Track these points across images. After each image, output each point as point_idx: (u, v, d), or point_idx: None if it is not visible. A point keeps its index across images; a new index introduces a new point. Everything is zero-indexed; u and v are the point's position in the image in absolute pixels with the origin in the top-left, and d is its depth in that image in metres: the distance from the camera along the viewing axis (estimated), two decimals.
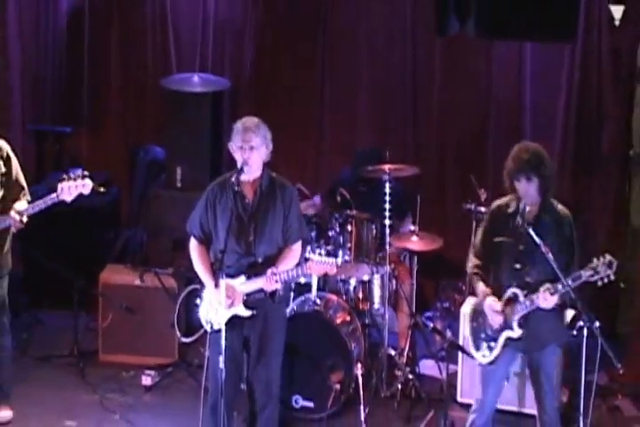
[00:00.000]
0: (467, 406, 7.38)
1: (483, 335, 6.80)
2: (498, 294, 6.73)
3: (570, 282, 6.39)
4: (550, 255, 6.48)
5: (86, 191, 7.53)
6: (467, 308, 7.06)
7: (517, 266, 6.69)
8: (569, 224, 6.71)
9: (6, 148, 7.67)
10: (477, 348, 6.84)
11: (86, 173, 7.50)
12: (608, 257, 6.41)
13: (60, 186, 7.47)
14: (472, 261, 6.90)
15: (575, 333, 6.49)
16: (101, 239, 9.56)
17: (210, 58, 9.86)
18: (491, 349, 6.76)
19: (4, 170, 7.60)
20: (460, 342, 7.61)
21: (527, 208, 6.68)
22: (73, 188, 7.48)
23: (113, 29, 10.02)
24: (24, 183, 7.70)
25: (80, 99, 10.10)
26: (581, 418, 6.40)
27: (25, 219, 7.47)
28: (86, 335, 8.92)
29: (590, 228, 9.03)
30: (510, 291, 6.66)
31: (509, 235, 6.74)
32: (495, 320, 6.70)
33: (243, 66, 9.85)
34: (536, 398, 6.90)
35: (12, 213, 7.47)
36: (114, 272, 8.91)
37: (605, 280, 6.40)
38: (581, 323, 6.41)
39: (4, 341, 7.90)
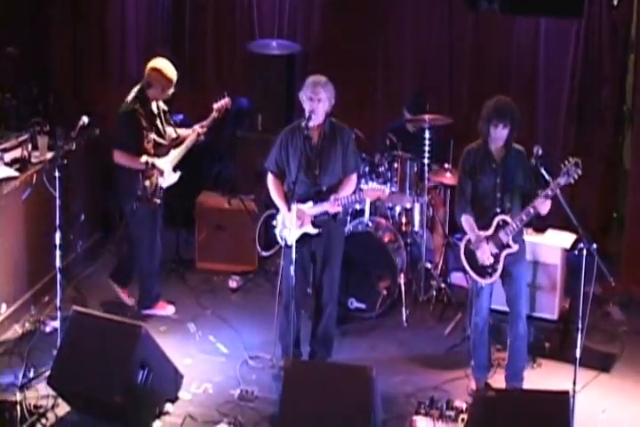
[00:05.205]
0: None
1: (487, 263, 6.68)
2: (485, 223, 6.64)
3: (554, 188, 6.34)
4: (552, 181, 6.39)
5: (229, 105, 7.86)
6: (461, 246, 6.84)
7: (498, 195, 6.61)
8: (526, 156, 6.60)
9: None
10: (482, 275, 6.69)
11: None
12: (572, 159, 6.35)
13: (214, 106, 7.79)
14: (464, 203, 6.72)
15: (576, 253, 6.35)
16: (198, 171, 9.48)
17: (285, 26, 9.68)
18: (495, 270, 6.65)
19: (166, 108, 7.82)
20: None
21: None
22: (221, 105, 7.78)
23: (208, 2, 9.83)
24: None
25: (183, 59, 9.99)
26: (580, 321, 6.32)
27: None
28: (186, 248, 8.91)
29: (590, 169, 8.84)
30: (498, 218, 6.60)
31: (487, 172, 6.63)
32: (486, 259, 6.63)
33: (312, 33, 9.66)
34: (511, 305, 6.78)
35: (197, 128, 7.83)
36: (207, 197, 8.91)
37: (576, 177, 6.33)
38: (581, 245, 6.27)
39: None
